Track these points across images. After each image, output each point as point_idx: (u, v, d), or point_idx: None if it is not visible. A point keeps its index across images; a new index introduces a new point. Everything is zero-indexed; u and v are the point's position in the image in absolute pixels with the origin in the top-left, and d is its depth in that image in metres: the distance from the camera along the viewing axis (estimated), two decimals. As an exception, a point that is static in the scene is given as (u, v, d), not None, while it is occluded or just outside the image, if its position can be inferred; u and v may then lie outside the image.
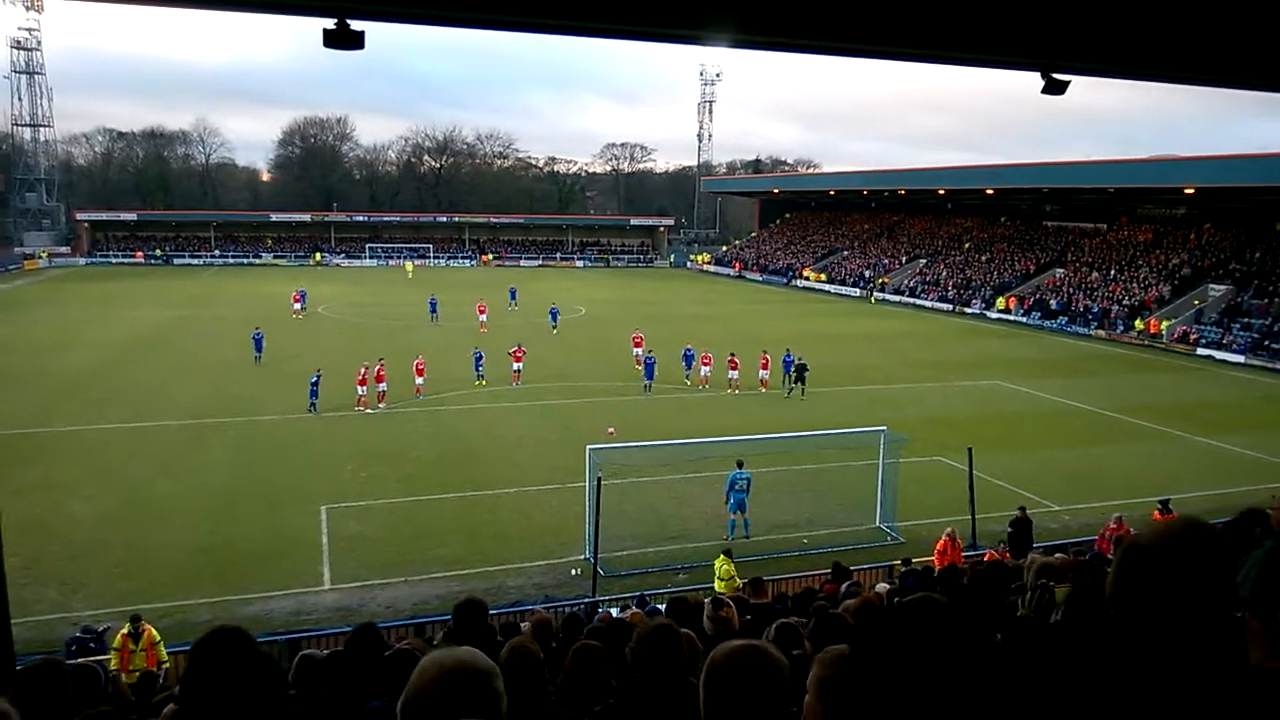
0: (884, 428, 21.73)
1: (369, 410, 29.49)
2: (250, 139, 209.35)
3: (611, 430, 25.30)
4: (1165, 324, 52.02)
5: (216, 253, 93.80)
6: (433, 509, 20.83)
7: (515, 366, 34.05)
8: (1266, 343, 46.96)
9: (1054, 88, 9.72)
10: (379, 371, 30.20)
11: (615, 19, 6.27)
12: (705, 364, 34.68)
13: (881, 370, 39.59)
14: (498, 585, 16.73)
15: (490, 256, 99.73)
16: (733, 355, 34.38)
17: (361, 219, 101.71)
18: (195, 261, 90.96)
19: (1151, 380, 40.30)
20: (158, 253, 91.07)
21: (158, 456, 24.25)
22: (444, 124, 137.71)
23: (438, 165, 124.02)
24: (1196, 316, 52.25)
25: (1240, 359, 46.19)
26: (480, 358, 34.44)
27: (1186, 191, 56.09)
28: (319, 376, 29.57)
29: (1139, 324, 53.11)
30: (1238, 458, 26.78)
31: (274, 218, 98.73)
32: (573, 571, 17.46)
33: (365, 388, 29.85)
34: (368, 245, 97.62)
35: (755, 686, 2.17)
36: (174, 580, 16.36)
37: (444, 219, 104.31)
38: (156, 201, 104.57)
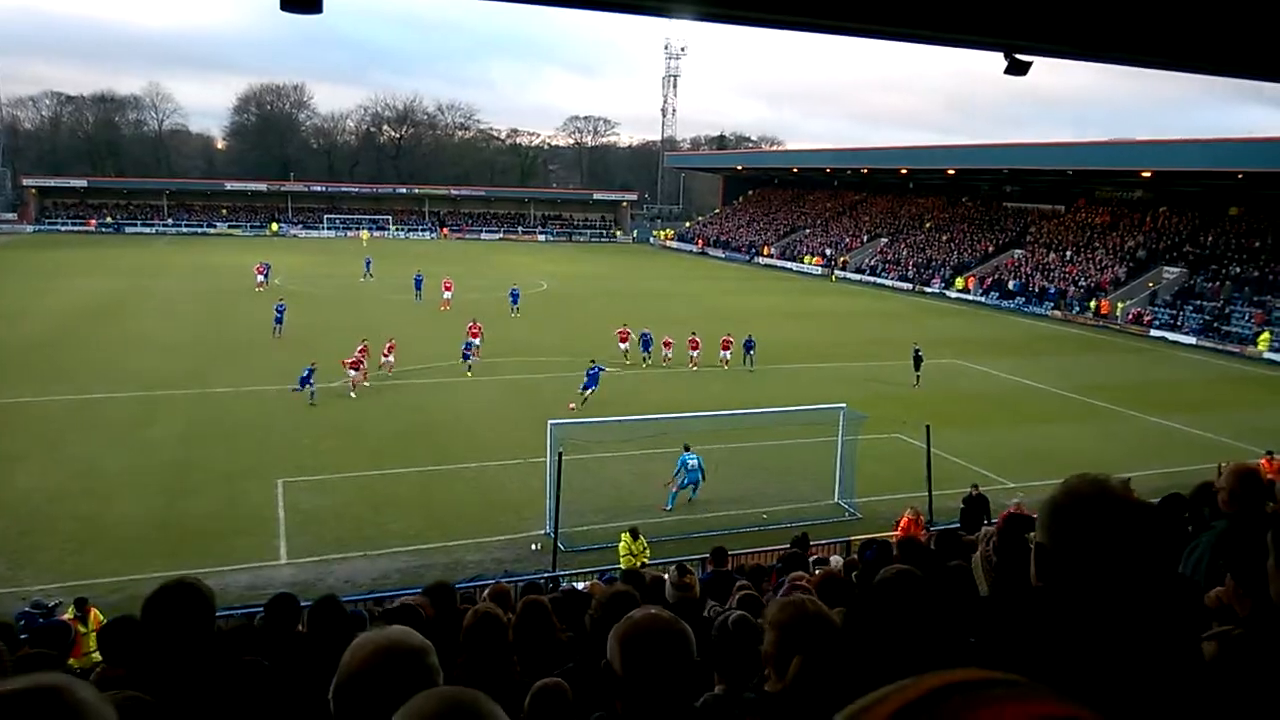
0: (844, 405, 21.89)
1: (362, 385, 28.67)
2: (204, 105, 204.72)
3: (573, 405, 25.23)
4: (1121, 305, 52.91)
5: (170, 221, 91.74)
6: (392, 483, 20.65)
7: (473, 342, 33.63)
8: (1216, 325, 47.97)
9: (1016, 68, 9.75)
10: (361, 352, 29.14)
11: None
12: (666, 347, 34.39)
13: (842, 347, 39.88)
14: (457, 560, 16.66)
15: (448, 229, 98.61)
16: (694, 336, 34.37)
17: (319, 189, 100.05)
18: (148, 230, 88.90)
19: (1106, 360, 41.01)
20: (109, 221, 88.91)
21: (109, 429, 23.75)
22: (404, 94, 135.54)
23: (398, 136, 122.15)
24: (1151, 298, 53.19)
25: (1192, 340, 47.17)
26: (470, 346, 32.52)
27: (1143, 175, 56.90)
28: (313, 369, 27.17)
29: (1093, 304, 53.98)
30: (1187, 436, 27.40)
31: (229, 186, 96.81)
32: (533, 546, 17.42)
33: (357, 370, 28.64)
34: (325, 216, 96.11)
35: (664, 653, 2.29)
36: (125, 555, 16.05)
37: (403, 190, 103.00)
38: (107, 168, 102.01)
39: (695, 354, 33.98)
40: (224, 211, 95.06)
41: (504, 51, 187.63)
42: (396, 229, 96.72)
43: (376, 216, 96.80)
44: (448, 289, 46.97)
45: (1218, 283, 51.47)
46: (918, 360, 32.99)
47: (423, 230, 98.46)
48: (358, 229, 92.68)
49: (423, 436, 24.35)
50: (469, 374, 31.37)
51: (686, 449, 19.92)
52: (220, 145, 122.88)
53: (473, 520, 18.56)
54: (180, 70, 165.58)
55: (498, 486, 20.60)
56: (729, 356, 34.41)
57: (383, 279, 56.33)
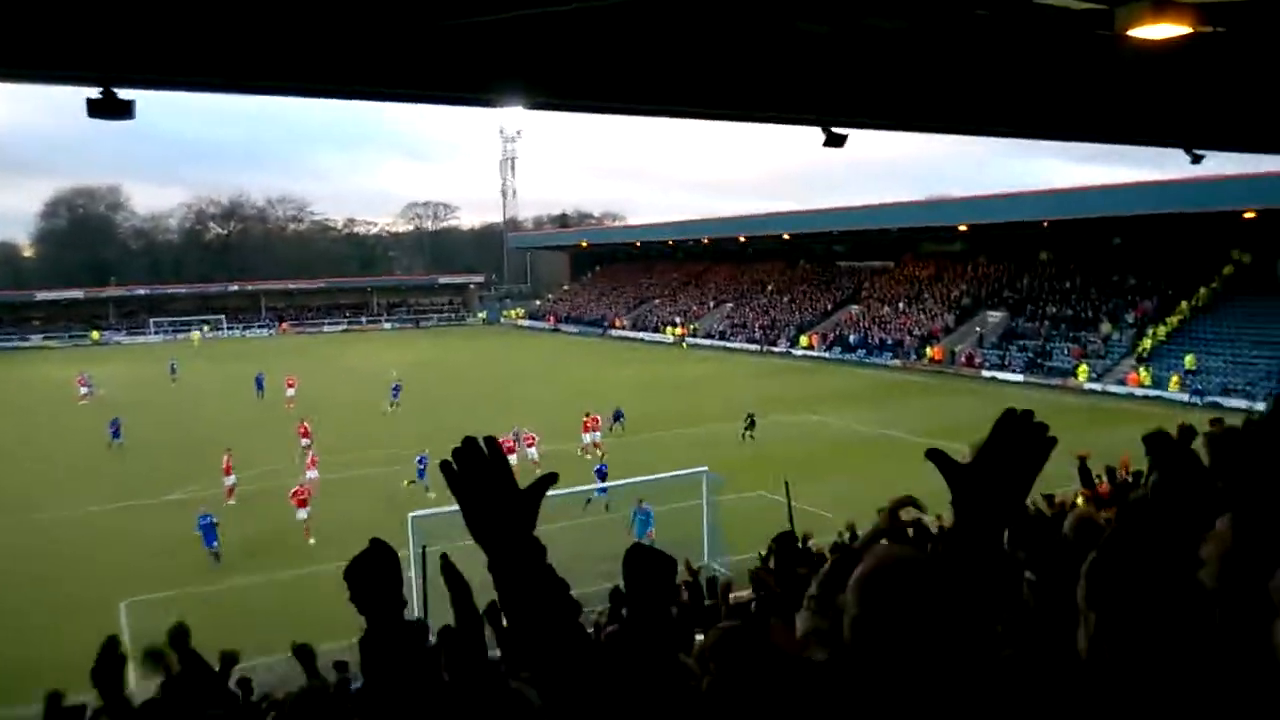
0: (705, 468, 22.21)
1: (231, 501, 26.75)
2: (7, 211, 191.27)
3: (432, 495, 24.58)
4: (955, 350, 56.11)
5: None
6: (247, 595, 19.51)
7: (303, 443, 32.29)
8: (1040, 361, 51.46)
9: (834, 141, 10.36)
10: (226, 463, 27.41)
11: (401, 83, 6.18)
12: (529, 444, 31.02)
13: (698, 412, 40.53)
14: (324, 666, 15.73)
15: (287, 324, 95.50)
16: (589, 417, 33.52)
17: (143, 292, 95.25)
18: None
19: (945, 403, 43.15)
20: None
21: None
22: (228, 189, 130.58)
23: (225, 231, 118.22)
24: (978, 341, 56.60)
25: (1019, 378, 50.34)
26: (424, 462, 26.97)
27: (960, 229, 61.00)
28: (211, 519, 22.50)
29: (929, 351, 57.02)
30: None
31: (39, 296, 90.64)
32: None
33: (232, 477, 27.29)
34: (151, 320, 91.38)
35: None
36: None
37: (235, 288, 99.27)
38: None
39: (589, 438, 32.65)
40: (37, 322, 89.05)
41: (331, 141, 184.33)
42: (231, 327, 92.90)
43: (208, 316, 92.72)
44: (291, 386, 45.42)
45: (1037, 323, 55.35)
46: (751, 423, 34.13)
47: (260, 327, 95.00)
48: (188, 331, 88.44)
49: (275, 543, 23.16)
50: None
51: (640, 502, 21.96)
52: (28, 253, 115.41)
53: (338, 625, 17.61)
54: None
55: (359, 589, 19.68)
56: (594, 440, 32.83)
57: (221, 380, 53.91)
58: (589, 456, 31.85)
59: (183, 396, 49.49)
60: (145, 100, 5.89)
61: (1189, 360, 45.43)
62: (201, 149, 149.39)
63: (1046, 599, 2.83)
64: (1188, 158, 11.39)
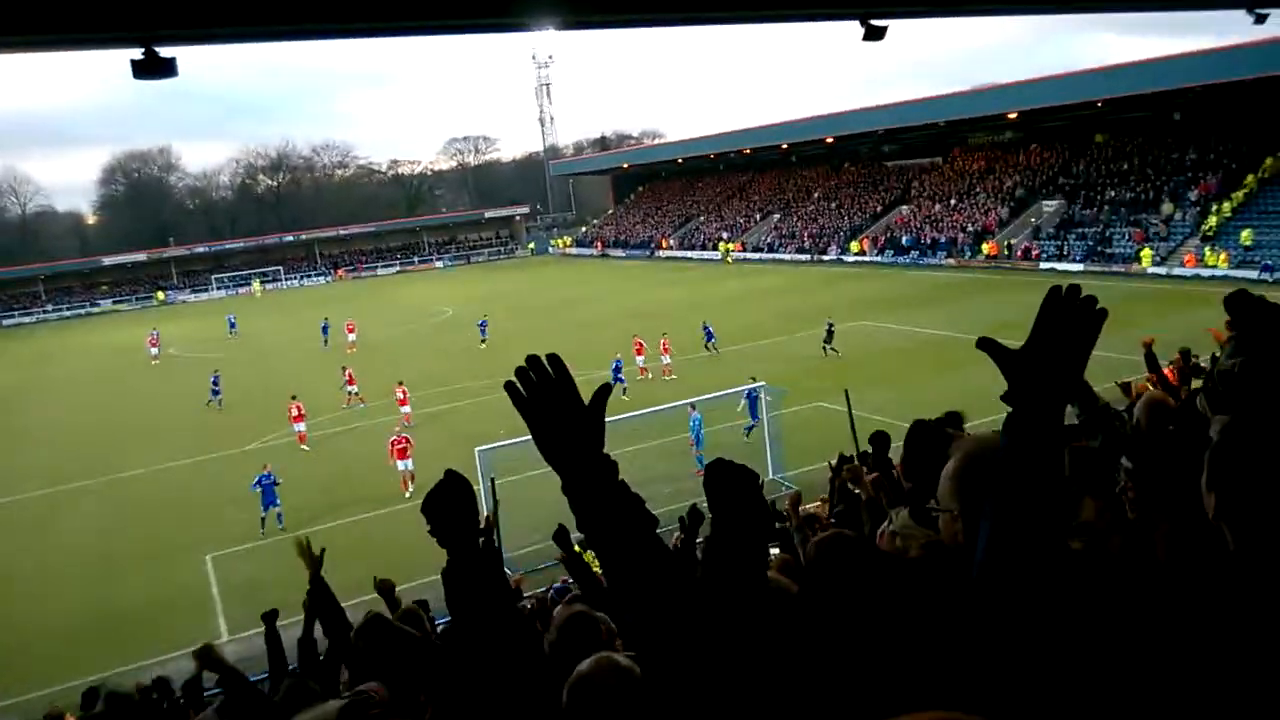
0: (762, 383, 22.24)
1: (305, 447, 27.86)
2: (68, 183, 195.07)
3: (502, 432, 25.00)
4: (1010, 244, 54.82)
5: (49, 307, 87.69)
6: (327, 538, 20.13)
7: (349, 389, 32.78)
8: (1100, 249, 50.08)
9: (873, 35, 10.02)
10: (296, 413, 28.18)
11: (431, 15, 6.11)
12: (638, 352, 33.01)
13: (752, 327, 40.40)
14: (410, 600, 16.33)
15: (342, 271, 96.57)
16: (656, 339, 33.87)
17: (202, 249, 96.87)
18: (26, 319, 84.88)
19: (1004, 299, 42.39)
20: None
21: (18, 531, 22.71)
22: (274, 141, 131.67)
23: (275, 183, 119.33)
24: (1035, 233, 55.21)
25: (1079, 267, 49.09)
26: (618, 366, 30.35)
27: (1010, 117, 58.97)
28: (273, 478, 21.66)
29: (984, 247, 55.81)
30: (1092, 359, 28.52)
31: (107, 261, 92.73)
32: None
33: (302, 424, 28.15)
34: (213, 276, 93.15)
35: (612, 700, 2.26)
36: (57, 660, 15.37)
37: (290, 238, 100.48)
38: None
39: (665, 360, 32.90)
40: (105, 288, 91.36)
41: (367, 83, 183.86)
42: (289, 277, 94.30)
43: (266, 269, 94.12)
44: (351, 331, 46.27)
45: (1094, 209, 53.72)
46: (830, 334, 33.56)
47: (316, 275, 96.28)
48: (248, 285, 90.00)
49: (349, 485, 23.87)
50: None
51: (693, 408, 22.25)
52: (91, 220, 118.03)
53: (418, 559, 18.16)
54: (35, 151, 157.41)
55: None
56: (670, 362, 33.04)
57: (285, 329, 55.05)
58: (646, 378, 32.19)
59: (249, 349, 50.66)
60: (184, 59, 5.95)
61: (1245, 235, 43.90)
62: (244, 102, 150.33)
63: (1145, 485, 2.81)
64: (1250, 18, 10.79)
